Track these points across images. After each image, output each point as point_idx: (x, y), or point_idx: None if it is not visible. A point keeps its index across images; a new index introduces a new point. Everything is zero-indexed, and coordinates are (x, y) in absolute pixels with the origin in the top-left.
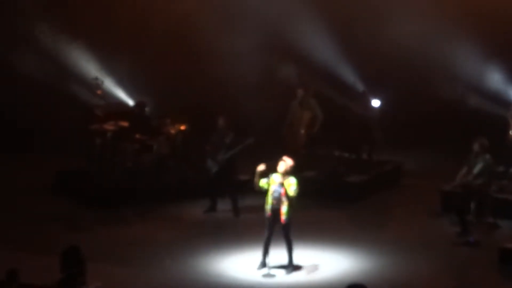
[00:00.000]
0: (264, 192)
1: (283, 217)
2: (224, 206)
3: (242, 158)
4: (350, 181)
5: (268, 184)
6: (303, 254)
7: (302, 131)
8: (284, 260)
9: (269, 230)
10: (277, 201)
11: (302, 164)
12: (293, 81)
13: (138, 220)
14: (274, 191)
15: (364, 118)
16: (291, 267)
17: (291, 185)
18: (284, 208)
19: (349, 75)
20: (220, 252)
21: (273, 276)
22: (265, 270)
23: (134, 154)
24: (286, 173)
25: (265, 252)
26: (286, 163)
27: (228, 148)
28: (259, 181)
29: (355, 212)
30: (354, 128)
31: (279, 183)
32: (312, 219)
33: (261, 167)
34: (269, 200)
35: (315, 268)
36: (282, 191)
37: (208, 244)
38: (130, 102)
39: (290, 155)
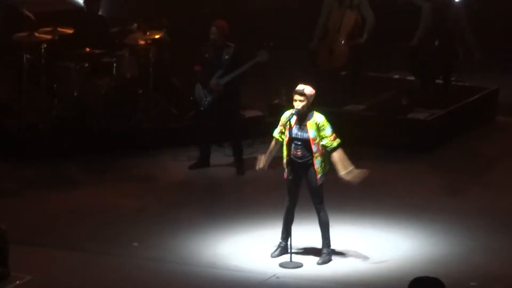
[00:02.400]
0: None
1: (318, 175)
2: (221, 158)
3: (249, 84)
4: (419, 119)
5: (284, 130)
6: (347, 233)
7: (343, 42)
8: (316, 243)
9: (290, 196)
10: (299, 151)
11: (343, 94)
12: None
13: (89, 180)
14: (293, 138)
15: (444, 21)
16: (327, 253)
17: (326, 128)
18: (317, 163)
19: None
20: (216, 231)
21: (297, 266)
22: (285, 258)
23: (81, 78)
24: (307, 108)
25: (286, 231)
26: (304, 90)
27: (227, 70)
28: (272, 152)
29: (428, 167)
30: (426, 37)
31: (298, 124)
32: (365, 181)
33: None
34: (286, 151)
35: (362, 254)
36: (308, 135)
37: (196, 217)
38: None
39: (321, 79)
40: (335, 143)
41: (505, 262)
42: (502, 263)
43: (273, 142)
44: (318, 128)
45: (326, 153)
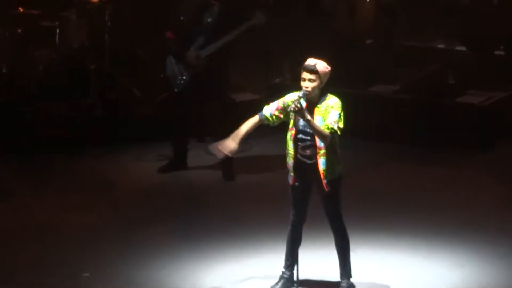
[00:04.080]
0: (282, 134)
1: (324, 179)
2: (202, 158)
3: (241, 57)
4: (472, 104)
5: (282, 113)
6: (372, 260)
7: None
8: (331, 272)
9: (296, 209)
10: (308, 149)
11: (368, 70)
12: None
13: (25, 189)
14: (299, 131)
15: None
16: (346, 287)
17: (333, 111)
18: (322, 163)
19: None
20: (196, 257)
21: None
22: None
23: (12, 49)
24: (319, 90)
25: (291, 257)
26: (316, 66)
27: (210, 37)
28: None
29: (484, 169)
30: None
31: (303, 114)
32: (391, 185)
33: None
34: (291, 148)
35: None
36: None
37: (169, 238)
38: None
39: (339, 51)
40: (327, 130)
41: None
42: None
43: (255, 119)
44: (326, 113)
45: (336, 149)
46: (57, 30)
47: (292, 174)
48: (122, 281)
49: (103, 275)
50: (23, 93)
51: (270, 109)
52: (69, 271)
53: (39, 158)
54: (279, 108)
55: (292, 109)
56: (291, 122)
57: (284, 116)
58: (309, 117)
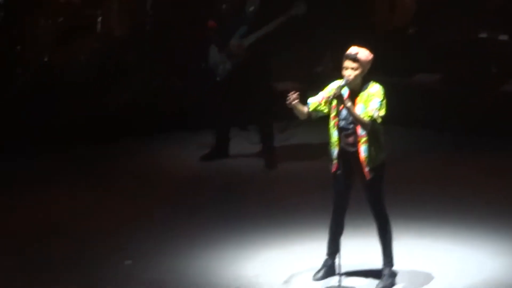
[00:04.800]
0: (324, 122)
1: (366, 167)
2: (244, 146)
3: (282, 46)
4: None
5: (327, 103)
6: (415, 249)
7: None
8: (374, 261)
9: (339, 196)
10: (351, 137)
11: (409, 60)
12: None
13: (64, 178)
14: (340, 118)
15: None
16: (388, 275)
17: (375, 99)
18: (364, 150)
19: None
20: (237, 244)
21: None
22: (331, 282)
23: (55, 39)
24: (362, 78)
25: (333, 245)
26: (358, 55)
27: (252, 26)
28: (300, 110)
29: None
30: None
31: (343, 101)
32: (434, 173)
33: (293, 99)
34: (334, 136)
35: (436, 277)
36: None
37: (211, 226)
38: None
39: (380, 41)
40: (367, 117)
41: None
42: None
43: (304, 109)
44: (367, 101)
45: (379, 137)
46: (99, 19)
47: (334, 162)
48: (163, 270)
49: (144, 263)
50: (63, 82)
51: (316, 99)
52: (111, 259)
53: (81, 147)
54: (324, 98)
55: (334, 95)
56: (334, 111)
57: (327, 109)
58: (349, 104)
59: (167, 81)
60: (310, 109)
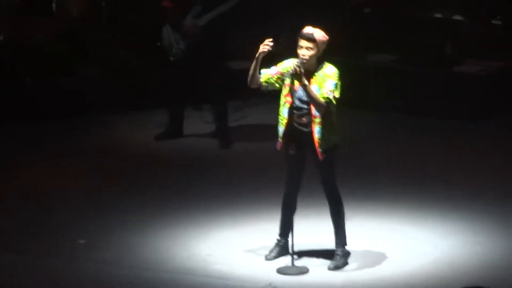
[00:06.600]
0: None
1: (319, 148)
2: (198, 125)
3: (237, 25)
4: (470, 74)
5: (280, 79)
6: (367, 229)
7: None
8: (326, 241)
9: (291, 177)
10: (304, 117)
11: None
12: None
13: (19, 156)
14: (295, 97)
15: None
16: (341, 255)
17: (329, 80)
18: (317, 131)
19: None
20: (191, 224)
21: (301, 272)
22: (284, 262)
23: (10, 17)
24: (316, 59)
25: (285, 225)
26: (314, 35)
27: (206, 5)
28: (259, 72)
29: (482, 140)
30: None
31: (301, 79)
32: (387, 154)
33: (265, 47)
34: (284, 115)
35: (388, 257)
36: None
37: (165, 206)
38: None
39: (336, 19)
40: (322, 99)
41: None
42: None
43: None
44: (322, 82)
45: (332, 118)
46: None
47: (280, 140)
48: (117, 248)
49: (98, 241)
50: (20, 62)
51: (270, 72)
52: (65, 237)
53: (34, 125)
54: (278, 72)
55: (292, 71)
56: (287, 89)
57: (279, 85)
58: (306, 82)
59: (124, 60)
60: (261, 80)
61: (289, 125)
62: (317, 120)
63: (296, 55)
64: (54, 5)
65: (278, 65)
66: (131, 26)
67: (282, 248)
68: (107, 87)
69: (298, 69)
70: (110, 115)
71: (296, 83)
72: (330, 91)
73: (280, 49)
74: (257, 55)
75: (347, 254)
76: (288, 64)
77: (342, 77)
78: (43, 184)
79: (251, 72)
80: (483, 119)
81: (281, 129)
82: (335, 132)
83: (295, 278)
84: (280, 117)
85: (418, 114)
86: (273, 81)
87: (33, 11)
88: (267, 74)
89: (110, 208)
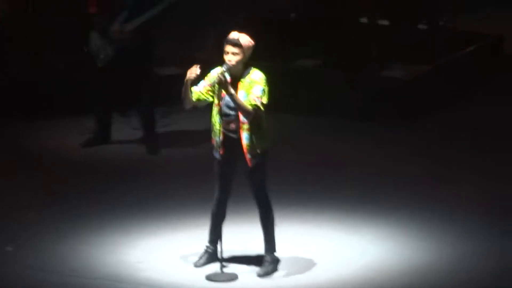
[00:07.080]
0: (207, 108)
1: (248, 155)
2: (126, 132)
3: (165, 31)
4: (396, 78)
5: (210, 91)
6: (296, 235)
7: None
8: (256, 247)
9: (221, 183)
10: (233, 123)
11: (292, 44)
12: None
13: None
14: (223, 104)
15: None
16: (270, 261)
17: (257, 86)
18: (246, 137)
19: None
20: (118, 231)
21: (230, 279)
22: (213, 268)
23: None
24: (243, 64)
25: (214, 232)
26: (240, 40)
27: (133, 11)
28: (191, 92)
29: (408, 142)
30: None
31: (227, 88)
32: (316, 159)
33: (194, 71)
34: (217, 123)
35: (317, 263)
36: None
37: (92, 213)
38: None
39: (263, 25)
40: (250, 105)
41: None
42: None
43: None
44: (250, 87)
45: (261, 124)
46: None
47: (219, 149)
48: (45, 255)
49: (26, 248)
50: None
51: (198, 89)
52: None
53: None
54: (207, 85)
55: (217, 81)
56: (216, 97)
57: (211, 96)
58: (232, 91)
59: (50, 64)
60: (193, 99)
61: (221, 133)
62: (245, 126)
63: (222, 62)
64: None
65: (206, 78)
66: (50, 29)
67: (211, 255)
68: (32, 91)
69: (222, 78)
70: (37, 120)
71: (220, 87)
72: (258, 97)
73: (207, 54)
74: (185, 80)
75: (276, 260)
76: (214, 74)
77: (269, 82)
78: None
79: (183, 95)
80: (408, 123)
81: (217, 139)
82: (265, 138)
83: (224, 285)
84: (214, 127)
85: (348, 117)
86: (204, 96)
87: None
88: (196, 92)
89: (37, 215)
